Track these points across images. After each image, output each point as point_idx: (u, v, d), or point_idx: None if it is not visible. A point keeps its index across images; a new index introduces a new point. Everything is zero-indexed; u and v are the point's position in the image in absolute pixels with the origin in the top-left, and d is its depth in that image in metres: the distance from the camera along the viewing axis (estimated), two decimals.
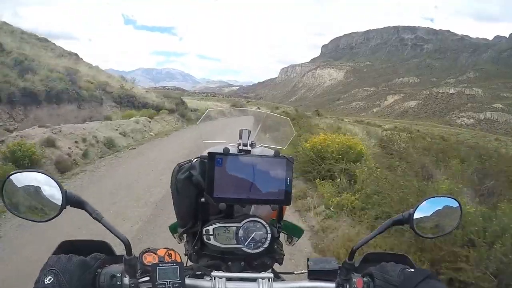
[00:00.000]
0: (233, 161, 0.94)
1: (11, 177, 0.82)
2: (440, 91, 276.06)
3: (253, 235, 0.96)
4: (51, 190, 0.82)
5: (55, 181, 0.82)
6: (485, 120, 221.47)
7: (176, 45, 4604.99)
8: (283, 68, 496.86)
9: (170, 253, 0.84)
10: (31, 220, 0.84)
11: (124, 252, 0.84)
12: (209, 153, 0.94)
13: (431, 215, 0.91)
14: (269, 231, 0.96)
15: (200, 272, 0.93)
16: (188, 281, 0.84)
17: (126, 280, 0.81)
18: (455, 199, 0.92)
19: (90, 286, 0.78)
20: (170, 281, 0.79)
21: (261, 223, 0.96)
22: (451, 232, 0.97)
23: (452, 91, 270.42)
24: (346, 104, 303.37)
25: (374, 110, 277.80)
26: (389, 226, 0.91)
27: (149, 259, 0.83)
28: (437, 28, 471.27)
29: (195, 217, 1.06)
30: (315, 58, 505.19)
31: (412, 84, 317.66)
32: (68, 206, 0.83)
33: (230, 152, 0.95)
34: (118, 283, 0.80)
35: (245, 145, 1.08)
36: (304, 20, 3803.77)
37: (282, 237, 1.15)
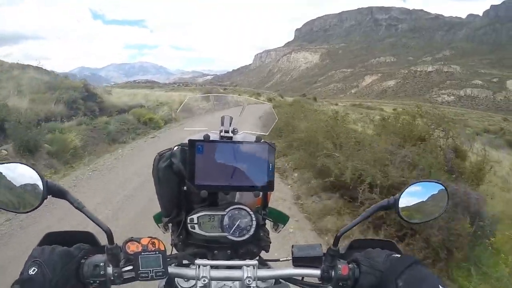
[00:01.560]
0: (214, 148, 0.92)
1: None
2: (418, 69, 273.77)
3: (238, 222, 0.95)
4: (32, 180, 0.81)
5: (36, 172, 0.81)
6: (465, 96, 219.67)
7: (148, 37, 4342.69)
8: (257, 54, 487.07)
9: (154, 242, 0.83)
10: (12, 211, 0.84)
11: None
12: (189, 140, 0.92)
13: (417, 200, 0.90)
14: (254, 219, 0.96)
15: (186, 261, 0.93)
16: (171, 269, 0.84)
17: (110, 269, 0.81)
18: (441, 184, 0.91)
19: (73, 276, 0.78)
20: (153, 270, 0.79)
21: (245, 210, 0.96)
22: (438, 217, 0.96)
23: (430, 69, 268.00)
24: (323, 86, 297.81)
25: (353, 91, 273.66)
26: (374, 211, 0.91)
27: (132, 248, 0.81)
28: (411, 8, 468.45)
29: (179, 206, 1.05)
30: (289, 42, 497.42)
31: (389, 64, 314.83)
32: (49, 196, 0.83)
33: (211, 139, 0.95)
34: (101, 272, 0.80)
35: (226, 131, 1.07)
36: (276, 4, 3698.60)
37: (269, 224, 1.16)
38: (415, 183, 0.91)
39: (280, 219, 1.23)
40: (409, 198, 0.89)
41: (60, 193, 0.83)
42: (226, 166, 0.92)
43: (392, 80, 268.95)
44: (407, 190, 0.89)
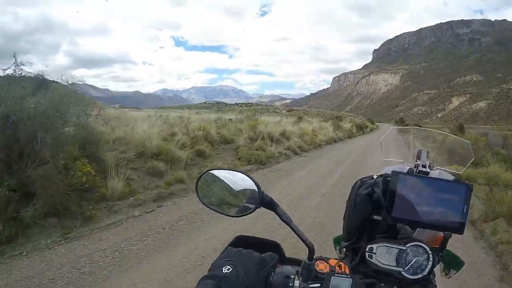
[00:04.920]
0: (414, 182, 0.93)
1: (207, 173, 0.92)
2: (511, 87, 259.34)
3: (414, 260, 0.93)
4: (247, 189, 0.88)
5: (254, 181, 0.88)
6: None
7: (227, 62, 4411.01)
8: (335, 77, 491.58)
9: (341, 265, 0.86)
10: (221, 213, 0.92)
11: (293, 256, 0.93)
12: (393, 171, 0.94)
13: None
14: (431, 259, 0.93)
15: None
16: None
17: (297, 282, 0.83)
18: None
19: (262, 282, 0.81)
20: None
21: (425, 249, 0.93)
22: None
23: None
24: (406, 110, 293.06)
25: (439, 115, 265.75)
26: None
27: (321, 266, 0.85)
28: (492, 19, 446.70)
29: (361, 233, 1.07)
30: (367, 64, 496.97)
31: (476, 83, 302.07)
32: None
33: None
34: (290, 284, 0.82)
35: (424, 166, 1.07)
36: (352, 27, 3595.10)
37: (437, 267, 1.09)
38: None
39: (455, 264, 1.19)
40: None
41: (271, 206, 0.88)
42: (422, 202, 0.92)
43: (483, 102, 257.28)
44: None
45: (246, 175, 0.90)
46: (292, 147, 13.74)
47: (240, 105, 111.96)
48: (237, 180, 0.91)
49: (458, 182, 0.94)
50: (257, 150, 11.22)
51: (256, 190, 0.87)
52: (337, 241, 1.27)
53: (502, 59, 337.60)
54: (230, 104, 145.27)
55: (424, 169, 1.06)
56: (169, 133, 9.81)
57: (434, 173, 1.07)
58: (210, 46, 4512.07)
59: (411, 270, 0.93)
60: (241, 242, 0.96)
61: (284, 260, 0.94)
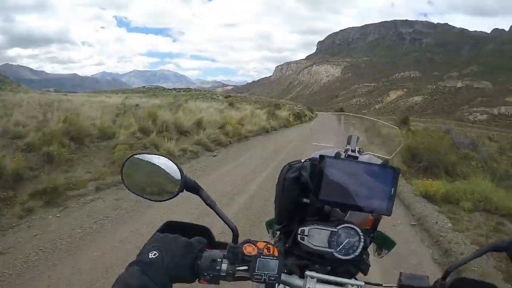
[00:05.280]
0: (342, 166, 0.95)
1: (131, 158, 0.90)
2: (446, 85, 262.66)
3: (346, 241, 0.95)
4: (170, 173, 0.88)
5: (176, 165, 0.88)
6: (499, 115, 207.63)
7: (171, 46, 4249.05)
8: (277, 66, 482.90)
9: (269, 247, 0.87)
10: (147, 199, 0.92)
11: (223, 240, 0.93)
12: (320, 155, 0.95)
13: None
14: (362, 240, 0.96)
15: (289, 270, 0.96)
16: (283, 276, 0.86)
17: (225, 266, 0.84)
18: None
19: (189, 266, 0.82)
20: (267, 273, 0.81)
21: (356, 230, 0.96)
22: None
23: (460, 84, 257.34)
24: (346, 100, 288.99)
25: (377, 106, 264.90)
26: (487, 251, 0.89)
27: (248, 249, 0.86)
28: (435, 22, 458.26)
29: (292, 217, 1.07)
30: (310, 55, 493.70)
31: (414, 79, 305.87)
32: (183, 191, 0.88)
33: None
34: (217, 267, 0.84)
35: (353, 151, 1.11)
36: (299, 18, 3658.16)
37: (371, 247, 1.13)
38: None
39: (386, 244, 1.25)
40: None
41: (195, 189, 0.89)
42: (350, 185, 0.94)
43: (419, 96, 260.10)
44: None
45: (168, 159, 0.90)
46: (204, 141, 10.90)
47: (178, 90, 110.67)
48: (161, 164, 0.90)
49: (385, 166, 0.95)
50: (146, 148, 8.65)
51: (179, 173, 0.87)
52: (269, 224, 1.29)
53: (440, 59, 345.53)
54: (169, 89, 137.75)
55: (353, 154, 1.10)
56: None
57: (363, 158, 1.10)
58: (154, 28, 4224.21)
59: (343, 251, 0.94)
60: (169, 227, 0.95)
61: (214, 244, 0.94)
